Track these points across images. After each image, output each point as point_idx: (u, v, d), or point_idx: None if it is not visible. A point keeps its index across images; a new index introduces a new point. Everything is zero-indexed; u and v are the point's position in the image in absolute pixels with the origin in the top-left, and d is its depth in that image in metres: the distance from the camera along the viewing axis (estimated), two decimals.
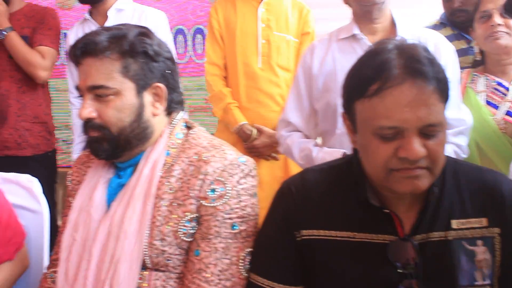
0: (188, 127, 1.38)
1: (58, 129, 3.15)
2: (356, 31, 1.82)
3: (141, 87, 1.27)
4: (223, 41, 2.54)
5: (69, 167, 3.67)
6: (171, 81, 1.32)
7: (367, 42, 1.77)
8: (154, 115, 1.31)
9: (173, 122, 1.35)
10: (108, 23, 2.52)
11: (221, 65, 2.55)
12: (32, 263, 1.76)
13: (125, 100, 1.25)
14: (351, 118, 1.14)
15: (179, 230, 1.24)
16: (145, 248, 1.23)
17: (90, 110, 1.25)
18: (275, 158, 2.48)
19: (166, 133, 1.33)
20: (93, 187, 1.35)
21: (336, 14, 2.15)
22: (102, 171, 1.37)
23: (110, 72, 1.24)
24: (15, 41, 2.56)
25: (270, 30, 2.47)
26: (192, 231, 1.24)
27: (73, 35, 2.66)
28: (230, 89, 2.53)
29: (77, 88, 1.29)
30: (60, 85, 3.38)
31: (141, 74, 1.27)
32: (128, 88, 1.25)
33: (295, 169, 2.29)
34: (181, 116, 1.38)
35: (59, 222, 2.16)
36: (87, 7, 2.68)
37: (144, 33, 1.30)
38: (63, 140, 3.47)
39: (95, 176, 1.37)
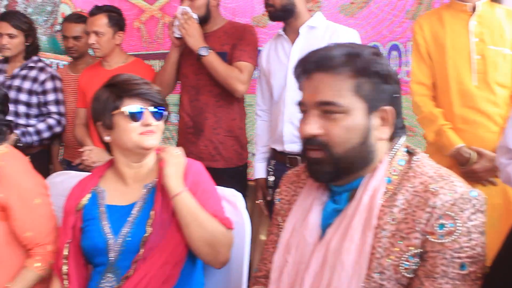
0: (410, 153, 1.29)
1: (250, 143, 3.24)
2: None
3: (371, 108, 1.21)
4: (430, 59, 2.39)
5: (251, 180, 3.78)
6: (397, 105, 1.25)
7: None
8: (379, 139, 1.24)
9: (394, 147, 1.27)
10: (299, 40, 2.52)
11: (429, 84, 2.41)
12: (232, 275, 1.80)
13: (354, 120, 1.20)
14: None
15: (400, 264, 1.15)
16: (363, 281, 1.15)
17: (316, 126, 1.21)
18: (493, 183, 2.25)
19: (387, 159, 1.25)
20: (307, 209, 1.32)
21: None
22: (317, 193, 1.33)
23: (341, 89, 1.19)
24: (213, 59, 2.67)
25: (484, 45, 2.26)
26: (414, 267, 1.15)
27: (266, 51, 2.71)
28: (442, 110, 2.36)
29: (300, 103, 1.27)
30: (250, 100, 3.48)
31: (372, 95, 1.21)
32: (358, 108, 1.20)
33: None
34: (402, 141, 1.29)
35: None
36: (280, 25, 2.71)
37: (377, 53, 1.24)
38: (253, 154, 3.56)
39: (309, 197, 1.33)
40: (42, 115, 3.25)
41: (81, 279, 1.67)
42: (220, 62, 2.66)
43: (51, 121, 3.23)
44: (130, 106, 1.64)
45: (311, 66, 1.23)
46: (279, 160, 2.60)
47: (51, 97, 3.23)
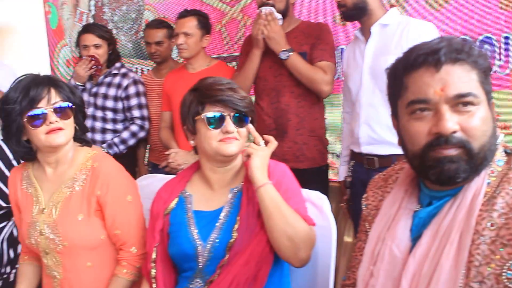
0: (507, 153, 1.20)
1: (332, 143, 3.18)
2: None
3: (489, 101, 1.16)
4: None
5: (337, 181, 3.71)
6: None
7: None
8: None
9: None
10: (371, 40, 2.44)
11: None
12: (318, 279, 1.76)
13: (485, 111, 1.13)
14: None
15: (502, 273, 1.05)
16: None
17: (455, 121, 1.11)
18: None
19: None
20: (392, 218, 1.25)
21: None
22: (403, 201, 1.26)
23: (472, 81, 1.13)
24: (297, 61, 2.64)
25: None
26: None
27: (346, 53, 2.66)
28: None
29: (422, 101, 1.15)
30: (335, 100, 3.41)
31: (488, 87, 1.16)
32: (484, 100, 1.14)
33: None
34: (501, 139, 1.20)
35: None
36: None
37: (480, 48, 1.18)
38: (337, 155, 3.49)
39: (395, 205, 1.27)
40: (127, 120, 3.37)
41: (168, 282, 1.69)
42: (304, 64, 2.64)
43: (134, 128, 3.32)
44: (210, 113, 1.63)
45: (441, 58, 1.12)
46: (357, 161, 2.55)
47: (134, 101, 3.33)
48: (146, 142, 3.57)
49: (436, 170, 1.13)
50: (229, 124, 1.63)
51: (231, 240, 1.59)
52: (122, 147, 3.29)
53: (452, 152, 1.11)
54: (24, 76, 1.79)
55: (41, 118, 1.71)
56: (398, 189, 1.29)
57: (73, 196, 1.78)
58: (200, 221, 1.67)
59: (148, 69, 4.15)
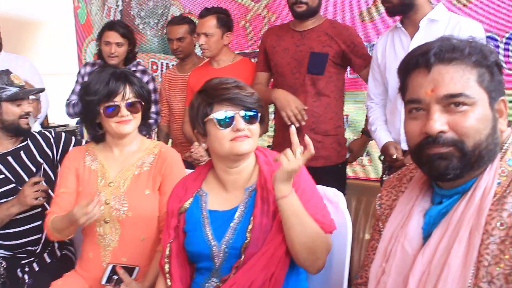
0: None
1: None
2: None
3: (493, 99, 1.14)
4: None
5: (360, 179, 3.68)
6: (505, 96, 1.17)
7: None
8: (501, 131, 1.16)
9: (504, 146, 1.17)
10: (419, 34, 2.40)
11: None
12: (332, 274, 1.77)
13: (482, 110, 1.12)
14: None
15: None
16: None
17: (443, 121, 1.12)
18: None
19: (498, 157, 1.15)
20: (406, 216, 1.25)
21: None
22: (417, 199, 1.26)
23: (468, 80, 1.12)
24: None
25: None
26: None
27: (382, 43, 2.59)
28: None
29: (412, 101, 1.18)
30: (358, 97, 3.40)
31: (492, 86, 1.14)
32: (482, 99, 1.13)
33: None
34: None
35: None
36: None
37: (487, 42, 1.16)
38: None
39: (409, 203, 1.27)
40: None
41: (184, 278, 1.70)
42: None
43: (150, 122, 3.40)
44: (218, 112, 1.60)
45: (431, 59, 1.14)
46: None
47: (152, 97, 3.40)
48: (168, 137, 3.63)
49: (428, 167, 1.16)
50: (239, 122, 1.59)
51: (246, 241, 1.59)
52: None
53: (443, 149, 1.12)
54: (103, 69, 2.09)
55: (115, 110, 2.00)
56: (412, 188, 1.29)
57: (141, 175, 2.05)
58: (214, 221, 1.67)
59: (173, 64, 4.19)
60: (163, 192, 2.01)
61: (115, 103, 1.98)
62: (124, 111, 1.99)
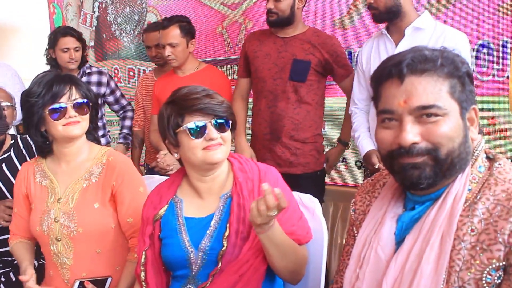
0: (489, 159, 1.22)
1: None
2: None
3: (464, 109, 1.16)
4: None
5: (336, 185, 3.70)
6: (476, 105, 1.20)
7: None
8: (472, 140, 1.19)
9: (475, 154, 1.20)
10: (404, 42, 2.44)
11: None
12: (309, 281, 1.78)
13: (454, 121, 1.14)
14: None
15: (482, 278, 1.07)
16: None
17: (416, 132, 1.14)
18: None
19: (469, 164, 1.18)
20: (379, 221, 1.27)
21: None
22: (390, 205, 1.28)
23: (440, 92, 1.14)
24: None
25: None
26: (498, 281, 1.07)
27: (367, 50, 2.63)
28: None
29: (384, 111, 1.19)
30: (334, 104, 3.43)
31: (463, 96, 1.16)
32: (453, 110, 1.15)
33: None
34: (482, 145, 1.22)
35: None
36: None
37: (459, 54, 1.19)
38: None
39: (382, 209, 1.29)
40: (121, 109, 3.69)
41: (160, 285, 1.70)
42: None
43: (130, 114, 3.67)
44: (191, 123, 1.59)
45: (403, 70, 1.15)
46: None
47: (118, 93, 3.64)
48: (142, 143, 3.62)
49: (400, 176, 1.18)
50: (211, 131, 1.60)
51: (223, 249, 1.59)
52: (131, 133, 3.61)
53: (417, 159, 1.14)
54: (46, 73, 1.97)
55: (61, 112, 1.88)
56: (386, 193, 1.31)
57: (90, 187, 1.94)
58: (191, 228, 1.66)
59: (150, 70, 4.19)
60: (120, 202, 1.93)
61: (61, 103, 1.87)
62: (71, 111, 1.87)
